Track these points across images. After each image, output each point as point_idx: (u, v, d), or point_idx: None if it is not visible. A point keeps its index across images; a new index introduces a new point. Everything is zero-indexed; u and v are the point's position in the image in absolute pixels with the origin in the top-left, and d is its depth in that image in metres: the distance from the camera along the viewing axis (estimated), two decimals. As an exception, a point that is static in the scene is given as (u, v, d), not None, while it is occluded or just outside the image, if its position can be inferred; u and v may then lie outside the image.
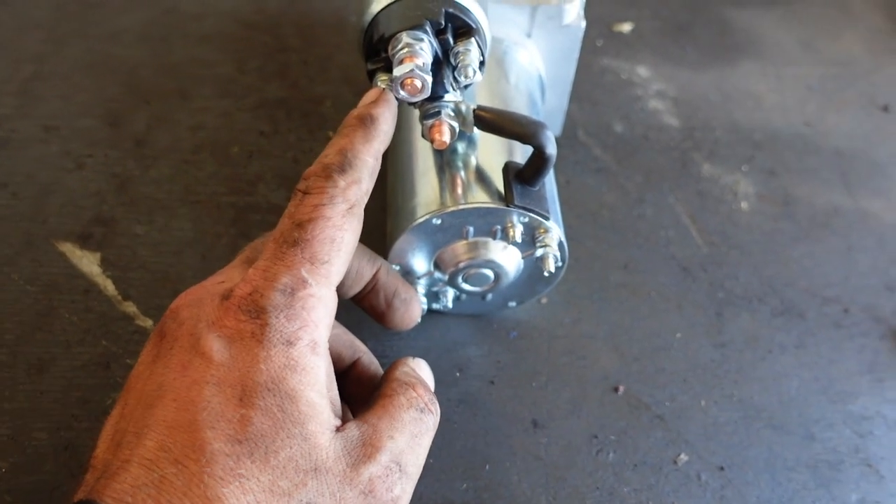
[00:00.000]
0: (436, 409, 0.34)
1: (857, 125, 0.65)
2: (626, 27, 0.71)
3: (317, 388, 0.29)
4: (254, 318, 0.29)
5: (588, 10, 0.70)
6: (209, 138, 0.55)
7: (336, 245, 0.31)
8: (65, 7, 0.60)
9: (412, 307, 0.41)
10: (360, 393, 0.37)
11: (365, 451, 0.29)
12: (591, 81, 0.65)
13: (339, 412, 0.31)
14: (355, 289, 0.39)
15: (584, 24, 0.49)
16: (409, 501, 0.31)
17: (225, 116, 0.56)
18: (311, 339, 0.29)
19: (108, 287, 0.47)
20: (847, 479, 0.44)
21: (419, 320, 0.41)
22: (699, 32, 0.72)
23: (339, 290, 0.39)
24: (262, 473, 0.27)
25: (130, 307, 0.46)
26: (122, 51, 0.58)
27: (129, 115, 0.55)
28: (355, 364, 0.38)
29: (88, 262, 0.47)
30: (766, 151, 0.62)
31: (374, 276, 0.39)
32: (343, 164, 0.33)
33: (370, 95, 0.37)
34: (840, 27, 0.75)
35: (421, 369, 0.37)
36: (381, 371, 0.40)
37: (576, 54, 0.51)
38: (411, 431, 0.32)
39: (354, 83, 0.60)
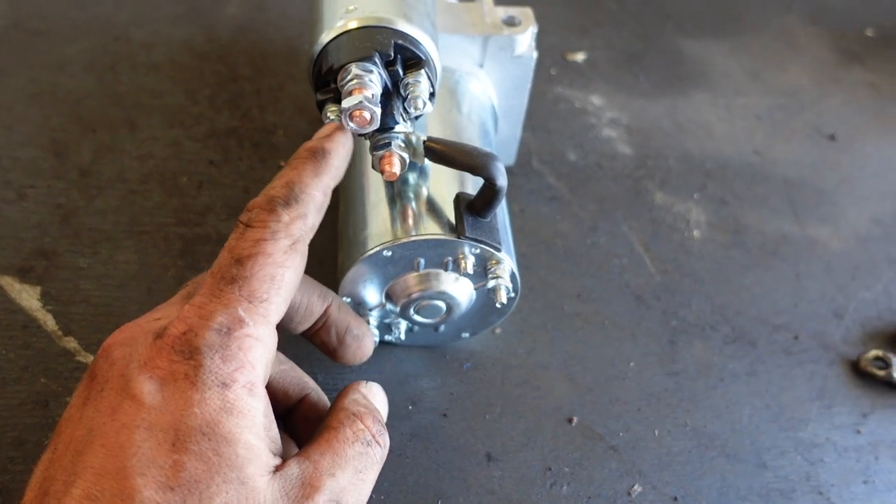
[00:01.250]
0: (384, 441, 0.33)
1: (804, 154, 0.67)
2: (580, 56, 0.72)
3: (254, 431, 0.28)
4: (187, 359, 0.28)
5: (542, 39, 0.71)
6: (157, 168, 0.54)
7: (276, 283, 0.30)
8: (8, 36, 0.59)
9: (364, 343, 0.40)
10: (307, 431, 0.36)
11: (304, 492, 0.28)
12: (545, 110, 0.66)
13: (280, 450, 0.30)
14: (305, 324, 0.38)
15: (535, 54, 0.50)
16: None
17: (174, 146, 0.55)
18: (247, 380, 0.29)
19: (49, 322, 0.45)
20: (799, 507, 0.44)
21: (370, 355, 0.41)
22: (651, 62, 0.73)
23: (288, 325, 0.38)
24: None
25: (71, 342, 0.45)
26: (68, 80, 0.57)
27: (74, 145, 0.54)
28: (303, 401, 0.37)
29: (28, 297, 0.46)
30: (717, 180, 0.63)
31: (325, 311, 0.38)
32: (289, 198, 0.32)
33: (325, 129, 0.37)
34: (787, 58, 0.77)
35: (373, 395, 0.36)
36: (356, 317, 0.39)
37: (528, 84, 0.51)
38: (355, 467, 0.31)
39: (307, 112, 0.59)
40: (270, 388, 0.36)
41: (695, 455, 0.45)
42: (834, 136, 0.69)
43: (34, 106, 0.55)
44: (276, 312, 0.31)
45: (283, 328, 0.37)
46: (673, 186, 0.61)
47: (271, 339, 0.31)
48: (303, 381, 0.38)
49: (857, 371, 0.51)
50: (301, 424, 0.37)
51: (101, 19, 0.62)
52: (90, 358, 0.44)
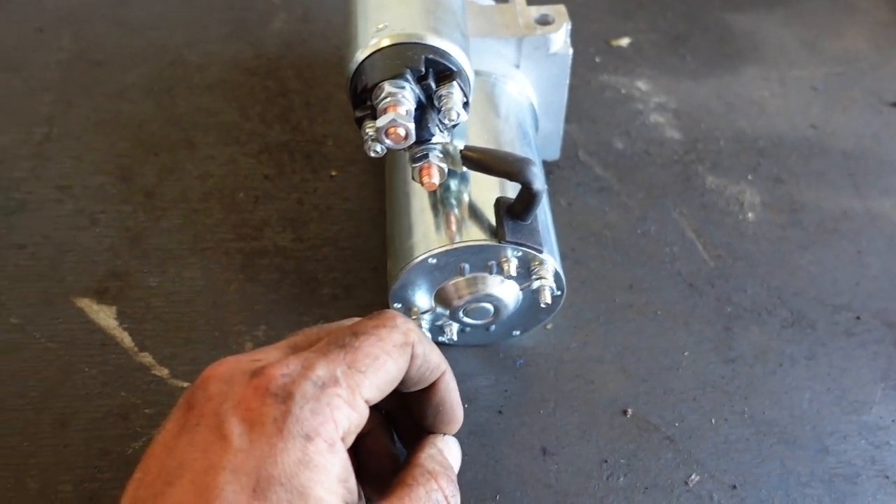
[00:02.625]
0: (455, 502, 0.34)
1: (864, 124, 0.65)
2: (624, 41, 0.71)
3: (327, 486, 0.29)
4: (279, 403, 0.29)
5: (585, 27, 0.71)
6: (216, 186, 0.57)
7: (378, 364, 0.32)
8: (72, 68, 0.62)
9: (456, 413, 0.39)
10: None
11: None
12: (590, 99, 0.65)
13: (356, 500, 0.31)
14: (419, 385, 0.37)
15: (571, 51, 0.50)
16: None
17: (230, 163, 0.58)
18: (330, 436, 0.29)
19: (125, 339, 0.48)
20: (863, 492, 0.43)
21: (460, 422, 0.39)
22: (698, 41, 0.71)
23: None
24: None
25: (146, 357, 0.48)
26: (129, 106, 0.60)
27: (138, 168, 0.57)
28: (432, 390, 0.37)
29: (105, 317, 0.49)
30: (771, 158, 0.62)
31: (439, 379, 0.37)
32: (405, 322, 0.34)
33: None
34: (844, 24, 0.74)
35: (449, 450, 0.37)
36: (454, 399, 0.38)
37: (566, 80, 0.51)
38: None
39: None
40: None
41: (753, 442, 0.45)
42: (896, 103, 0.66)
43: (100, 134, 0.58)
44: (368, 388, 0.31)
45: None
46: (725, 168, 0.61)
47: (359, 410, 0.31)
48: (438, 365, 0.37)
49: (924, 349, 0.50)
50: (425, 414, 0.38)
51: (157, 45, 0.65)
52: (164, 371, 0.47)
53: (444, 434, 0.39)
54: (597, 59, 0.69)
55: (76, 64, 0.63)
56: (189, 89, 0.62)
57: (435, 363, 0.36)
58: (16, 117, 0.58)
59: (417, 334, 0.34)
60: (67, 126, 0.58)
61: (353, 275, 0.51)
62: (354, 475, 0.32)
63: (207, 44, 0.65)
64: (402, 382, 0.35)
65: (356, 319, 0.35)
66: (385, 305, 0.45)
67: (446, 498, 0.34)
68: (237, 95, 0.62)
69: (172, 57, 0.64)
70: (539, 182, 0.39)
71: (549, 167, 0.58)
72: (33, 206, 0.54)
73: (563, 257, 0.52)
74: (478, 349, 0.49)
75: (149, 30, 0.66)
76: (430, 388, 0.37)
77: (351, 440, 0.31)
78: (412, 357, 0.34)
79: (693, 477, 0.44)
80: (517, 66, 0.50)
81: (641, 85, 0.67)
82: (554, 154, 0.57)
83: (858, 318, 0.51)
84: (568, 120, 0.60)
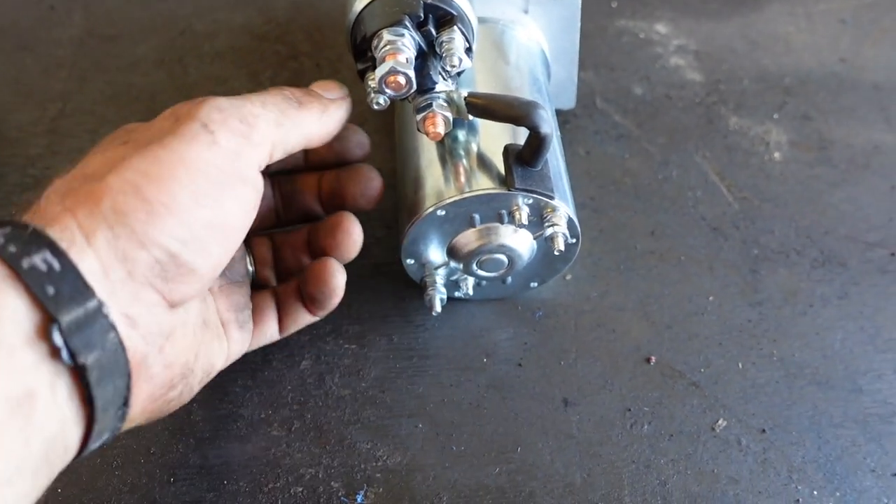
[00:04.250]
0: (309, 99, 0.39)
1: (896, 55, 0.62)
2: (642, -16, 0.68)
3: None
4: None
5: (599, -28, 0.68)
6: (230, 153, 0.56)
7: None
8: (84, 43, 0.62)
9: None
10: None
11: None
12: (607, 45, 0.63)
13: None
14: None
15: (580, -8, 0.48)
16: None
17: (243, 129, 0.58)
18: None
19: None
20: (899, 431, 0.42)
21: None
22: (720, -21, 0.69)
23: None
24: None
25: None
26: (141, 79, 0.60)
27: (152, 139, 0.57)
28: None
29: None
30: (798, 96, 0.59)
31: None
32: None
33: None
34: (874, -49, 0.71)
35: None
36: None
37: (577, 24, 0.50)
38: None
39: (366, 80, 0.60)
40: None
41: (783, 385, 0.44)
42: (930, 31, 0.63)
43: (113, 107, 0.58)
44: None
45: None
46: (749, 109, 0.58)
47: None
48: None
49: (962, 283, 0.48)
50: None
51: (165, 15, 0.64)
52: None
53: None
54: (613, 4, 0.67)
55: (88, 40, 0.63)
56: (199, 58, 0.62)
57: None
58: (30, 95, 0.59)
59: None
60: (81, 101, 0.58)
61: (366, 234, 0.50)
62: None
63: (216, 12, 0.65)
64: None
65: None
66: (399, 263, 0.45)
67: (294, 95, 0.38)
68: (247, 62, 0.61)
69: (182, 27, 0.64)
70: (547, 126, 0.38)
71: (564, 116, 0.57)
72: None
73: (582, 206, 0.51)
74: (495, 303, 0.48)
75: (157, 2, 0.66)
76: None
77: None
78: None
79: (720, 422, 0.43)
80: (525, 12, 0.49)
81: (661, 28, 0.65)
82: (569, 103, 0.56)
83: (893, 254, 0.49)
84: (584, 67, 0.58)
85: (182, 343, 0.33)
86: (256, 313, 0.41)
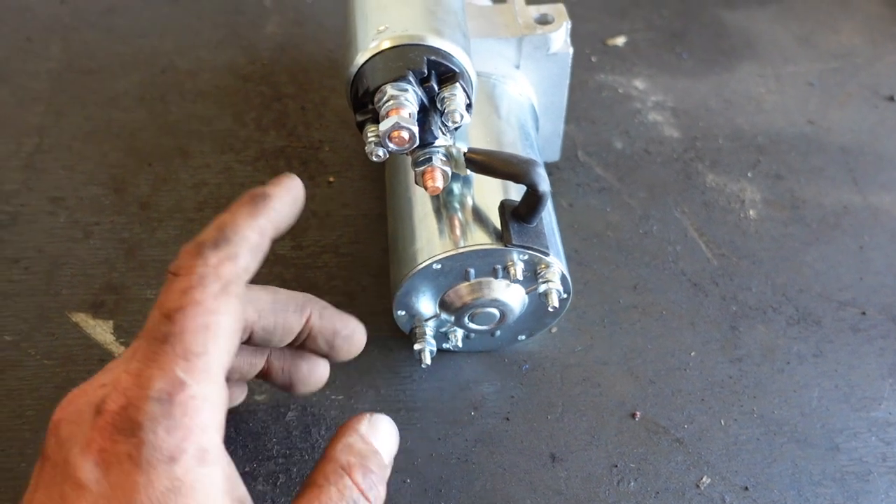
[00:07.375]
0: (375, 495, 0.31)
1: (861, 119, 0.64)
2: (620, 40, 0.70)
3: (209, 502, 0.27)
4: (128, 437, 0.26)
5: (580, 27, 0.70)
6: (212, 195, 0.56)
7: (212, 332, 0.28)
8: (62, 77, 0.61)
9: (355, 339, 0.39)
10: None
11: None
12: (588, 99, 0.65)
13: None
14: (286, 341, 0.37)
15: (571, 50, 0.49)
16: None
17: (226, 171, 0.57)
18: (197, 448, 0.27)
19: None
20: (876, 489, 0.43)
21: (363, 345, 0.40)
22: (694, 38, 0.71)
23: (270, 343, 0.37)
24: None
25: (146, 371, 0.47)
26: (121, 115, 0.59)
27: (132, 178, 0.56)
28: (306, 326, 0.37)
29: (102, 331, 0.48)
30: (770, 155, 0.61)
31: (307, 323, 0.37)
32: (218, 240, 0.30)
33: (276, 179, 0.34)
34: (838, 18, 0.74)
35: (375, 432, 0.34)
36: (341, 317, 0.38)
37: (566, 80, 0.51)
38: None
39: (351, 126, 0.59)
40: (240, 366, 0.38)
41: (763, 442, 0.45)
42: (893, 97, 0.66)
43: (91, 143, 0.57)
44: (218, 364, 0.28)
45: (267, 346, 0.38)
46: (725, 166, 0.60)
47: (219, 394, 0.28)
48: (287, 323, 0.36)
49: (931, 344, 0.49)
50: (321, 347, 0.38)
51: (146, 51, 0.64)
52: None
53: (355, 355, 0.39)
54: (593, 59, 0.69)
55: (66, 73, 0.62)
56: (182, 96, 0.61)
57: (284, 298, 0.36)
58: (5, 129, 0.57)
59: (229, 264, 0.29)
60: (59, 136, 0.57)
61: (354, 281, 0.51)
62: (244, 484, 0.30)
63: (199, 49, 0.64)
64: (272, 338, 0.35)
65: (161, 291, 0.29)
66: (388, 311, 0.44)
67: (363, 493, 0.31)
68: (231, 102, 0.61)
69: (164, 64, 0.63)
70: (545, 183, 0.39)
71: (549, 168, 0.58)
72: (26, 219, 0.53)
73: (567, 259, 0.52)
74: (482, 355, 0.48)
75: (138, 37, 0.65)
76: (309, 332, 0.37)
77: (222, 431, 0.29)
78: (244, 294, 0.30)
79: (704, 479, 0.43)
80: (517, 67, 0.50)
81: (639, 84, 0.67)
82: (554, 155, 0.57)
83: (864, 313, 0.51)
84: (566, 120, 0.59)
85: None
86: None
